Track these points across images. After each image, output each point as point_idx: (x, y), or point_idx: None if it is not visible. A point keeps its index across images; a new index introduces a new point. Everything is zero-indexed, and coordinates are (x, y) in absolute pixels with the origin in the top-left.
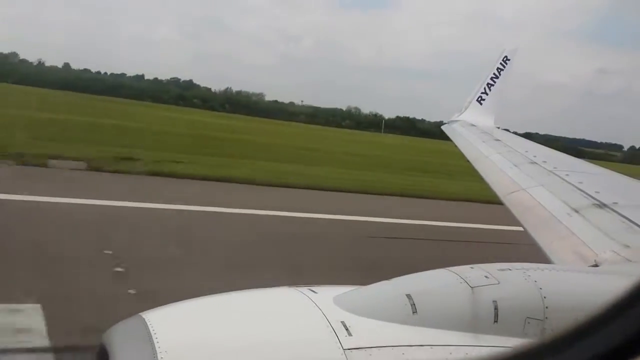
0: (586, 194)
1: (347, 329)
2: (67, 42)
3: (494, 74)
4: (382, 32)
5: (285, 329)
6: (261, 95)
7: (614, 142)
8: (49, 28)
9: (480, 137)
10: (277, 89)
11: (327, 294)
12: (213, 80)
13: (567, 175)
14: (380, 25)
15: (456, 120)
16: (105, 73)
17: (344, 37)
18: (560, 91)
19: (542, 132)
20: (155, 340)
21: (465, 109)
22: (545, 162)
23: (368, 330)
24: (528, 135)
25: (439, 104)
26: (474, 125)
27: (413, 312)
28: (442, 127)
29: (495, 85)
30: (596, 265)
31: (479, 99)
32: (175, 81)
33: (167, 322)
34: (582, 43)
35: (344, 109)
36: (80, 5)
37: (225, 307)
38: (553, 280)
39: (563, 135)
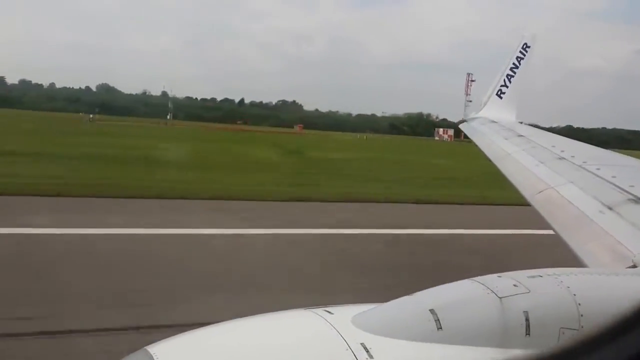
0: (620, 188)
1: (367, 351)
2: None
3: (514, 63)
4: (397, 27)
5: (301, 354)
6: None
7: None
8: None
9: (502, 134)
10: (290, 94)
11: (345, 314)
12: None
13: (598, 169)
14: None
15: (475, 117)
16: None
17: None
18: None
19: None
20: None
21: (485, 104)
22: (573, 156)
23: (390, 351)
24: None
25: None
26: (495, 122)
27: (438, 329)
28: (461, 126)
29: (516, 76)
30: (634, 266)
31: (499, 92)
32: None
33: (175, 354)
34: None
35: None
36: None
37: (237, 335)
38: (588, 285)
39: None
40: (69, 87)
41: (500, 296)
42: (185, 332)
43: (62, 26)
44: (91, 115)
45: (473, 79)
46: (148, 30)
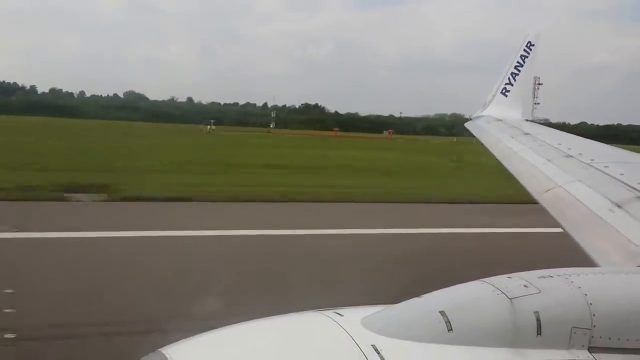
0: (629, 186)
1: (378, 353)
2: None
3: (518, 61)
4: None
5: (313, 356)
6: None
7: None
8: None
9: (508, 132)
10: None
11: (355, 316)
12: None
13: (606, 167)
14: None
15: (480, 116)
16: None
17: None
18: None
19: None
20: None
21: (489, 102)
22: (581, 154)
23: (401, 352)
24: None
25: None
26: (500, 120)
27: (448, 330)
28: (466, 125)
29: (521, 74)
30: None
31: (503, 90)
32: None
33: (189, 356)
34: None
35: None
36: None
37: (249, 337)
38: (599, 284)
39: None
40: (98, 95)
41: (510, 297)
42: (200, 334)
43: (75, 35)
44: (209, 127)
45: (540, 82)
46: (160, 40)
